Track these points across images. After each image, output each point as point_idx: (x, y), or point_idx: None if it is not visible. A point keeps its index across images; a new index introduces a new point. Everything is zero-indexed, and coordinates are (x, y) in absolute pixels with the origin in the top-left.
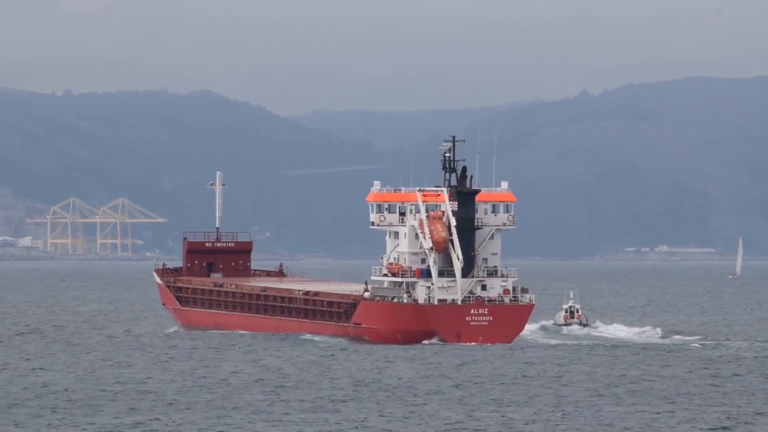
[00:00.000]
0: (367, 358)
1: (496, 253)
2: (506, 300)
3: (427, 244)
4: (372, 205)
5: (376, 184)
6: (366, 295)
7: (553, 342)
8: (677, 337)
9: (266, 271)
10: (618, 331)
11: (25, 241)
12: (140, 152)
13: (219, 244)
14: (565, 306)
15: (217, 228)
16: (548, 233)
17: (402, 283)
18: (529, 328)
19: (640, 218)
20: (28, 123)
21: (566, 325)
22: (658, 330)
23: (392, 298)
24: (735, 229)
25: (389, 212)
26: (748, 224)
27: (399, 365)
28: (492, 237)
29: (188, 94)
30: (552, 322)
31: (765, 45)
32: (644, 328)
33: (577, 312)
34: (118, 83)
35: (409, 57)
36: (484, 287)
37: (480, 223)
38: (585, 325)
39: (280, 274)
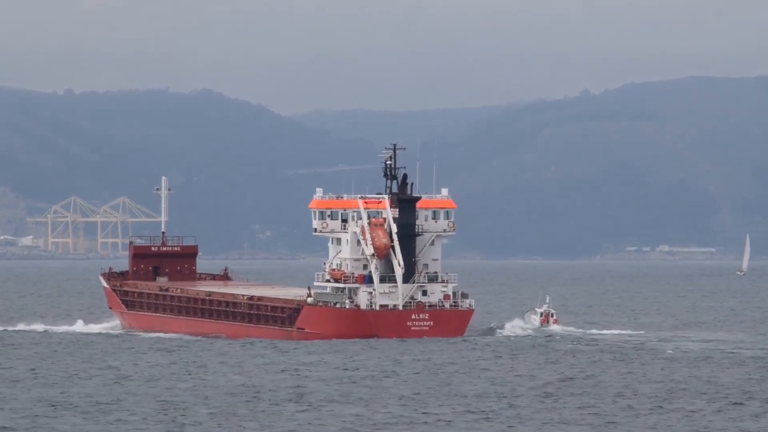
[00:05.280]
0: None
1: (436, 259)
2: (446, 305)
3: (369, 250)
4: (314, 212)
5: (319, 191)
6: (309, 300)
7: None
8: None
9: (211, 274)
10: None
11: (26, 240)
12: (141, 151)
13: (165, 249)
14: (540, 309)
15: (163, 232)
16: (549, 233)
17: (344, 288)
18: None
19: (641, 218)
20: (29, 122)
21: (546, 328)
22: None
23: (335, 304)
24: (736, 228)
25: (331, 219)
26: (749, 224)
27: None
28: (432, 243)
29: (189, 93)
30: (523, 322)
31: (765, 45)
32: None
33: (553, 316)
34: (118, 82)
35: (410, 57)
36: (425, 293)
37: (420, 230)
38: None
39: (225, 277)
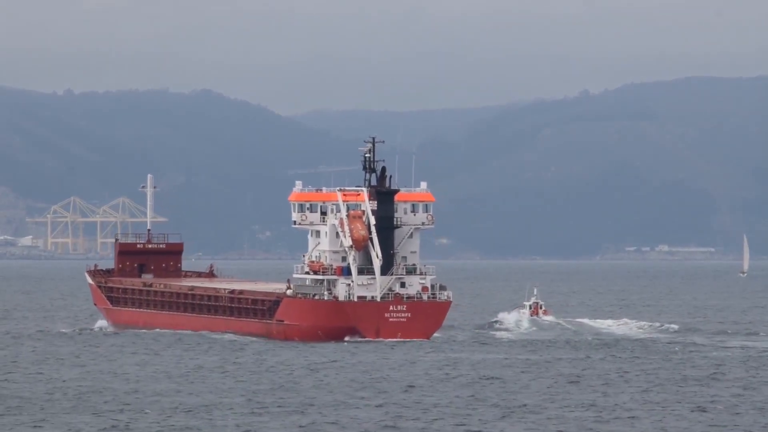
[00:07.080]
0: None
1: (414, 252)
2: (424, 297)
3: (347, 242)
4: (294, 204)
5: (298, 184)
6: (288, 292)
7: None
8: None
9: (197, 272)
10: None
11: (26, 240)
12: (140, 151)
13: (150, 246)
14: (528, 302)
15: (149, 230)
16: (548, 233)
17: (323, 280)
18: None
19: (641, 218)
20: (29, 122)
21: (537, 318)
22: None
23: (313, 296)
24: (735, 228)
25: (311, 211)
26: (749, 223)
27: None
28: (411, 236)
29: (189, 93)
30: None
31: (765, 45)
32: None
33: (542, 307)
34: (118, 82)
35: (410, 57)
36: (402, 284)
37: (399, 222)
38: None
39: (210, 274)
